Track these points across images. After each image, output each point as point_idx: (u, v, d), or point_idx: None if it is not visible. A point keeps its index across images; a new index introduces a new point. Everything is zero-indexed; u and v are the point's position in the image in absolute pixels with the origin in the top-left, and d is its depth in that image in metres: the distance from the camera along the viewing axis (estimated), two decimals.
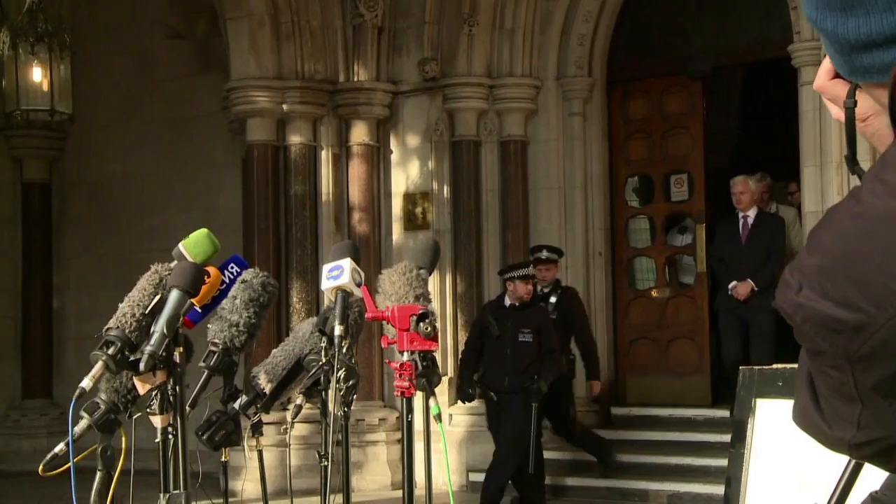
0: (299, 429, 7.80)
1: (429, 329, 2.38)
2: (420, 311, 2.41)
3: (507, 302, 7.54)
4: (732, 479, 3.01)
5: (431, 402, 2.38)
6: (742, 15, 9.01)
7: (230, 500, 3.02)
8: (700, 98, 9.36)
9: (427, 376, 2.40)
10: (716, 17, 9.17)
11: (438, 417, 2.35)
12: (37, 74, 8.63)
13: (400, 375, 2.39)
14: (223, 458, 2.85)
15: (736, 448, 3.02)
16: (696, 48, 9.22)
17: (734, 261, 8.14)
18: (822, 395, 1.04)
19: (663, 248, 9.51)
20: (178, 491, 2.54)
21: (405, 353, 2.42)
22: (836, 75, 1.08)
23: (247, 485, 6.52)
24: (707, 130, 9.56)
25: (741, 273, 8.02)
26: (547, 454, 7.94)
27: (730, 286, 8.06)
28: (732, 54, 9.26)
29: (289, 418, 2.75)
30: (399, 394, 2.45)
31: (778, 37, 8.49)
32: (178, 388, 2.55)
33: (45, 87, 8.64)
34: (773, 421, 2.54)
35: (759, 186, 8.47)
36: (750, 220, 8.20)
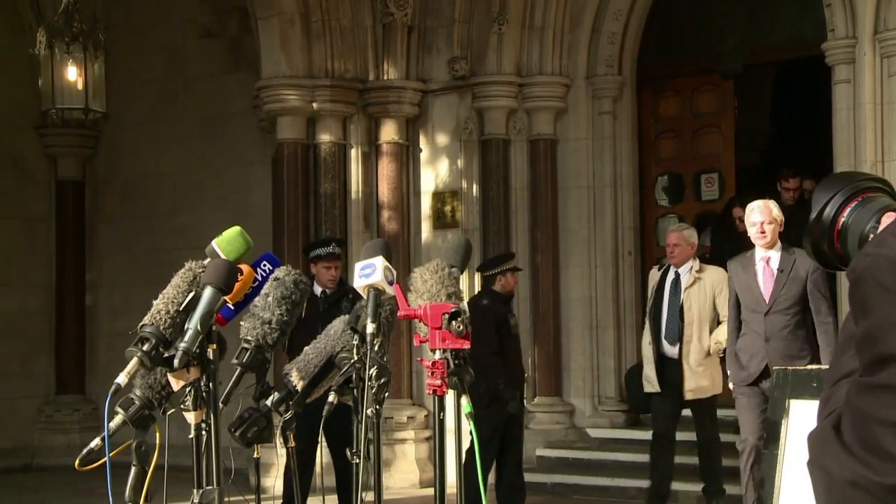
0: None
1: (461, 327, 2.39)
2: (452, 310, 2.41)
3: (486, 301, 6.85)
4: (766, 479, 2.99)
5: (463, 400, 2.38)
6: (775, 12, 8.94)
7: (261, 496, 3.04)
8: (731, 97, 9.30)
9: (459, 374, 2.40)
10: (748, 15, 9.11)
11: (470, 416, 2.35)
12: (72, 73, 8.72)
13: (432, 374, 2.40)
14: (255, 455, 2.86)
15: (769, 449, 3.00)
16: (728, 46, 9.16)
17: None
18: (871, 440, 1.01)
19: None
20: (210, 487, 2.55)
21: (437, 352, 2.42)
22: None
23: (277, 481, 6.56)
24: (738, 129, 9.51)
25: None
26: (578, 453, 7.90)
27: None
28: (765, 52, 9.19)
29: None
30: (431, 392, 2.45)
31: (812, 34, 8.42)
32: (211, 384, 2.56)
33: (80, 85, 8.72)
34: (807, 422, 2.52)
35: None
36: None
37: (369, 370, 2.46)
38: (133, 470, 2.58)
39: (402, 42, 9.18)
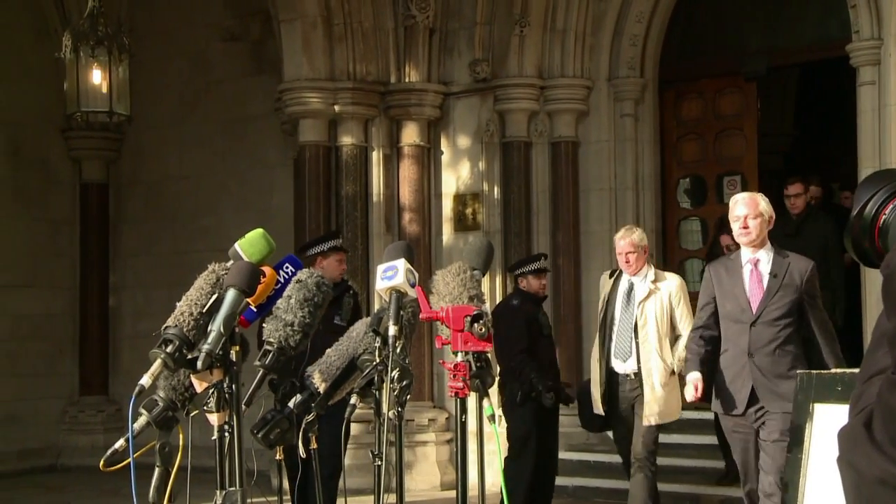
0: (351, 428, 7.85)
1: (483, 330, 2.39)
2: (474, 312, 2.41)
3: (515, 301, 6.80)
4: (789, 483, 2.97)
5: (485, 402, 2.38)
6: (799, 14, 8.89)
7: (283, 498, 3.05)
8: (754, 99, 9.26)
9: (481, 377, 2.40)
10: (771, 17, 9.06)
11: (492, 418, 2.35)
12: (96, 77, 8.79)
13: (454, 376, 2.40)
14: (277, 457, 2.87)
15: (793, 453, 2.97)
16: (751, 48, 9.12)
17: None
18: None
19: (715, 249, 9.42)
20: (233, 488, 2.56)
21: (459, 354, 2.42)
22: None
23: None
24: (761, 131, 9.46)
25: None
26: (599, 456, 7.87)
27: None
28: (788, 54, 9.14)
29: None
30: (453, 394, 2.45)
31: (836, 36, 8.36)
32: (234, 386, 2.57)
33: (105, 89, 8.78)
34: (831, 425, 2.48)
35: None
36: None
37: (391, 372, 2.46)
38: (157, 471, 2.59)
39: (424, 44, 9.19)
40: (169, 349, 2.50)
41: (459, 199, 9.30)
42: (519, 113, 9.15)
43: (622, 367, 6.03)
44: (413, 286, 2.59)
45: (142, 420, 2.63)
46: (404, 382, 2.48)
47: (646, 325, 5.96)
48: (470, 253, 2.73)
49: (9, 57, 10.62)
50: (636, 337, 5.95)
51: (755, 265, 5.05)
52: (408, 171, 9.21)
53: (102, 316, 11.21)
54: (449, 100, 9.32)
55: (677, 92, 9.48)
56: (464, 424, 2.43)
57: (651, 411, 5.88)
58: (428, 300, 2.58)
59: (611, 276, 6.21)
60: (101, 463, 2.62)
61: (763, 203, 5.02)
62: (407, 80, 9.21)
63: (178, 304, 2.62)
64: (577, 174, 9.12)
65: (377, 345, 2.58)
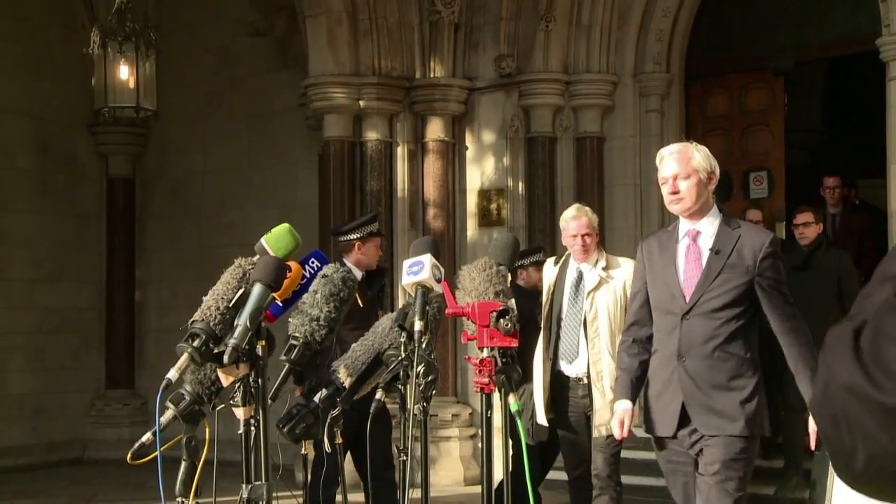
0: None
1: (509, 325, 2.38)
2: (500, 308, 2.40)
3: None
4: (817, 481, 2.94)
5: (510, 398, 2.37)
6: (828, 8, 8.81)
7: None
8: (781, 94, 9.19)
9: (506, 373, 2.40)
10: (799, 11, 8.98)
11: (518, 414, 2.35)
12: (124, 72, 8.85)
13: (479, 371, 2.39)
14: (303, 451, 2.88)
15: (821, 450, 2.94)
16: (779, 42, 9.04)
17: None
18: (884, 357, 1.00)
19: None
20: (259, 482, 2.57)
21: (485, 350, 2.42)
22: None
23: None
24: (788, 127, 9.38)
25: None
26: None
27: None
28: (817, 49, 9.06)
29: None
30: (478, 390, 2.45)
31: (866, 30, 8.28)
32: (260, 380, 2.58)
33: (132, 84, 8.85)
34: None
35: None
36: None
37: (417, 367, 2.46)
38: (183, 464, 2.61)
39: (449, 40, 9.18)
40: (196, 343, 2.51)
41: (484, 194, 9.29)
42: (544, 108, 9.13)
43: (570, 369, 5.23)
44: (439, 281, 2.59)
45: (168, 414, 2.64)
46: (430, 378, 2.48)
47: (596, 320, 5.17)
48: (496, 248, 2.72)
49: (38, 53, 10.70)
50: (586, 334, 5.17)
51: (694, 239, 3.80)
52: (432, 167, 9.21)
53: (128, 310, 11.29)
54: (473, 95, 9.30)
55: (703, 87, 9.42)
56: (489, 420, 2.43)
57: (602, 420, 5.03)
58: (454, 296, 2.57)
59: (556, 264, 5.42)
60: (129, 456, 2.63)
61: (699, 156, 3.82)
62: (432, 75, 9.21)
63: (204, 299, 2.63)
64: (601, 170, 9.09)
65: (402, 340, 2.58)
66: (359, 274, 5.61)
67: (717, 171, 3.84)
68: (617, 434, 3.84)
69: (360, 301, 5.41)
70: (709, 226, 3.80)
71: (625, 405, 3.82)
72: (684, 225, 3.83)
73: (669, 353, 3.71)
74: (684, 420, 3.69)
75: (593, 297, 5.20)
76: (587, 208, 5.50)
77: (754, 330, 3.77)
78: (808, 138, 11.48)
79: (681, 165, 3.77)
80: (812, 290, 6.68)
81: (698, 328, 3.68)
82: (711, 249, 3.74)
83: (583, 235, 5.26)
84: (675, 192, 3.75)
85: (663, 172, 3.80)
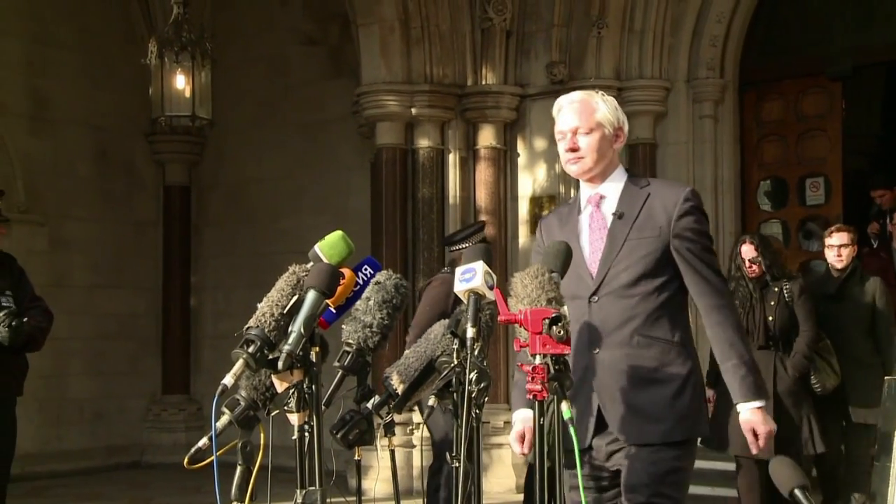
0: (426, 430, 7.88)
1: (561, 332, 2.37)
2: (553, 315, 2.40)
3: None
4: (877, 494, 2.89)
5: (563, 405, 2.37)
6: (888, 10, 8.66)
7: (362, 498, 3.07)
8: (839, 99, 9.05)
9: (559, 380, 2.39)
10: (859, 14, 8.84)
11: (571, 421, 2.34)
12: (180, 82, 9.00)
13: (532, 379, 2.39)
14: (356, 457, 2.90)
15: (881, 461, 2.88)
16: (837, 47, 8.91)
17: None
18: None
19: (798, 252, 9.23)
20: (313, 488, 2.59)
21: (537, 357, 2.41)
22: None
23: (376, 483, 6.61)
24: (846, 132, 9.24)
25: None
26: None
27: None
28: (876, 52, 8.91)
29: (420, 419, 2.77)
30: (531, 397, 2.44)
31: None
32: (314, 386, 2.60)
33: (188, 93, 8.99)
34: None
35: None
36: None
37: (469, 374, 2.47)
38: (238, 469, 2.63)
39: (501, 47, 9.19)
40: (251, 349, 2.53)
41: (536, 201, 9.27)
42: None
43: None
44: (491, 288, 2.59)
45: (224, 419, 2.67)
46: (482, 385, 2.48)
47: None
48: (548, 255, 2.72)
49: (99, 64, 10.93)
50: None
51: (597, 205, 3.16)
52: (484, 174, 9.22)
53: (184, 316, 11.45)
54: (525, 102, 9.29)
55: (758, 92, 9.32)
56: (542, 427, 2.43)
57: None
58: (506, 303, 2.57)
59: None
60: (186, 460, 2.67)
61: (604, 108, 3.17)
62: (483, 82, 9.22)
63: (259, 305, 2.66)
64: (654, 176, 9.02)
65: (455, 347, 2.59)
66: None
67: (627, 128, 3.20)
68: (517, 449, 3.05)
69: None
70: (613, 188, 3.14)
71: (523, 415, 3.04)
72: (585, 191, 3.20)
73: (582, 345, 2.98)
74: (601, 425, 2.96)
75: None
76: None
77: (683, 306, 3.10)
78: (866, 143, 11.30)
79: (582, 118, 3.13)
80: (846, 322, 6.47)
81: (611, 310, 2.98)
82: (614, 214, 3.09)
83: None
84: (574, 150, 3.12)
85: (560, 125, 3.18)
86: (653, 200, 3.07)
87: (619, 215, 3.07)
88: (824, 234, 6.82)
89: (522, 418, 3.05)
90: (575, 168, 3.14)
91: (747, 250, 6.35)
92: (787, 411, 6.15)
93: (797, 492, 2.37)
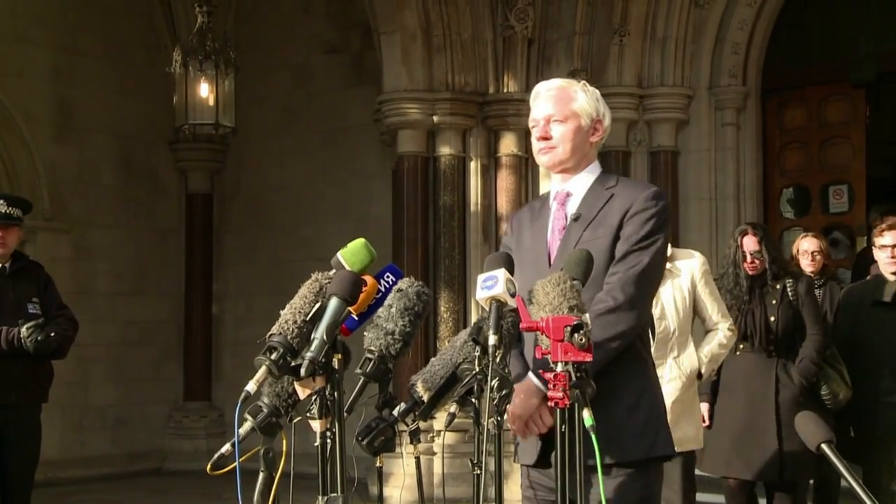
0: (447, 437, 7.87)
1: (583, 340, 2.37)
2: (574, 322, 2.39)
3: None
4: None
5: (585, 413, 2.36)
6: None
7: None
8: (863, 106, 9.01)
9: (580, 387, 2.38)
10: (882, 21, 8.80)
11: (593, 429, 2.34)
12: (204, 90, 9.07)
13: (553, 386, 2.39)
14: (378, 464, 2.90)
15: None
16: (861, 54, 8.87)
17: None
18: None
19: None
20: (335, 494, 2.60)
21: (559, 364, 2.41)
22: None
23: (398, 491, 6.61)
24: (869, 140, 9.19)
25: None
26: None
27: None
28: None
29: (440, 426, 2.77)
30: (553, 404, 2.44)
31: None
32: (336, 393, 2.61)
33: (211, 102, 9.06)
34: None
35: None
36: None
37: (491, 381, 2.47)
38: (261, 476, 2.64)
39: (522, 55, 9.20)
40: (273, 356, 2.54)
41: None
42: (618, 122, 9.07)
43: None
44: (513, 296, 2.58)
45: (247, 426, 2.68)
46: (503, 392, 2.48)
47: (663, 318, 4.76)
48: (569, 263, 2.71)
49: (124, 73, 11.02)
50: (652, 334, 4.45)
51: (562, 203, 2.97)
52: (505, 182, 9.22)
53: (206, 323, 11.50)
54: None
55: (781, 100, 9.29)
56: (563, 434, 2.42)
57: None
58: (528, 310, 2.57)
59: None
60: (208, 467, 2.68)
61: (583, 97, 3.01)
62: (505, 90, 9.23)
63: (281, 312, 2.67)
64: (676, 184, 9.00)
65: (476, 354, 2.59)
66: None
67: (607, 122, 3.02)
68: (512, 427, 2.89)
69: None
70: (582, 184, 2.94)
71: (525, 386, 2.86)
72: (555, 185, 3.00)
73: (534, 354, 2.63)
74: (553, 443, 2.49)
75: (658, 293, 4.44)
76: None
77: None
78: (891, 151, 11.22)
79: (557, 106, 2.94)
80: None
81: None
82: (573, 217, 2.89)
83: None
84: (546, 139, 2.92)
85: (534, 113, 2.98)
86: (613, 201, 2.87)
87: (575, 217, 2.89)
88: (873, 233, 5.79)
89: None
90: (545, 159, 2.95)
91: (750, 242, 5.63)
92: (791, 425, 4.83)
93: (824, 446, 2.34)
